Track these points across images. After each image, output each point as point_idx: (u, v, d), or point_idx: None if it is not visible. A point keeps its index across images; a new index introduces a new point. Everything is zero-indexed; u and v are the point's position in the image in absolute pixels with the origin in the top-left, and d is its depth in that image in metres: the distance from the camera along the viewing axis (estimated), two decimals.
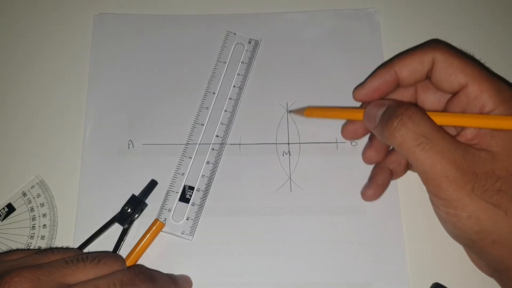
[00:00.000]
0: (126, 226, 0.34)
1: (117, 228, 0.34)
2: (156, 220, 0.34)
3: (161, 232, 0.34)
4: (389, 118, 0.29)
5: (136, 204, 0.34)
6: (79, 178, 0.36)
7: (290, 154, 0.37)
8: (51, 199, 0.35)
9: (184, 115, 0.38)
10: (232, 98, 0.38)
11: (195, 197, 0.35)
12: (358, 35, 0.40)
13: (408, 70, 0.32)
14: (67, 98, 0.38)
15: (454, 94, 0.31)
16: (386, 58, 0.39)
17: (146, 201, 0.35)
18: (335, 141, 0.37)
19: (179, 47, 0.40)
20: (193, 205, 0.35)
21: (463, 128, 0.30)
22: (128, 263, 0.33)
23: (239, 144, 0.37)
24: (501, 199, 0.27)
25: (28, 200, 0.35)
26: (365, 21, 0.40)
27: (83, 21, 0.40)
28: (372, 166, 0.35)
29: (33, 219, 0.35)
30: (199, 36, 0.40)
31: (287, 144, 0.37)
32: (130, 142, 0.37)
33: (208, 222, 0.35)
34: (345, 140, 0.37)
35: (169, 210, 0.35)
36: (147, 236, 0.33)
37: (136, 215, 0.34)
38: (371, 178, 0.34)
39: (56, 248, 0.30)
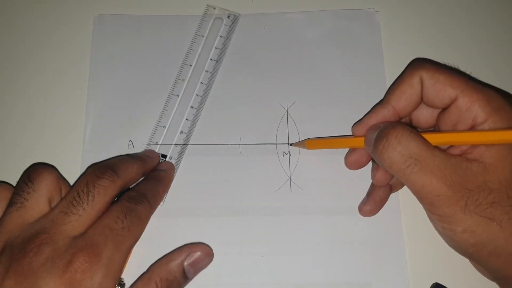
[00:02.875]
0: None
1: None
2: None
3: None
4: (377, 140, 0.29)
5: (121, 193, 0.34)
6: None
7: (290, 154, 0.37)
8: None
9: (184, 115, 0.38)
10: (208, 71, 0.38)
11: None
12: (358, 35, 0.40)
13: (404, 99, 0.31)
14: (67, 98, 0.38)
15: (446, 108, 0.31)
16: (386, 58, 0.39)
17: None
18: None
19: (179, 47, 0.40)
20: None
21: None
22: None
23: (239, 144, 0.37)
24: (495, 211, 0.27)
25: None
26: (365, 21, 0.40)
27: (83, 21, 0.40)
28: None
29: None
30: (199, 36, 0.40)
31: (287, 144, 0.37)
32: (130, 142, 0.37)
33: (208, 222, 0.35)
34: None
35: None
36: None
37: None
38: (369, 194, 0.34)
39: (22, 188, 0.29)
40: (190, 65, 0.38)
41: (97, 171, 0.29)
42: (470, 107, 0.29)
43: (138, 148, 0.37)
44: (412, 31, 0.40)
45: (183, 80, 0.38)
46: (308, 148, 0.36)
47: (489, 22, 0.41)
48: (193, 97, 0.38)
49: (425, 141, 0.28)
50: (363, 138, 0.32)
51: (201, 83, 0.38)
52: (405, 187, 0.35)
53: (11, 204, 0.29)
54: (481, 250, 0.28)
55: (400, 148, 0.28)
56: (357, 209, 0.35)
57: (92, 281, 0.26)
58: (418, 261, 0.34)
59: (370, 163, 0.35)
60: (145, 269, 0.33)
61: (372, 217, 0.35)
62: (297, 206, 0.35)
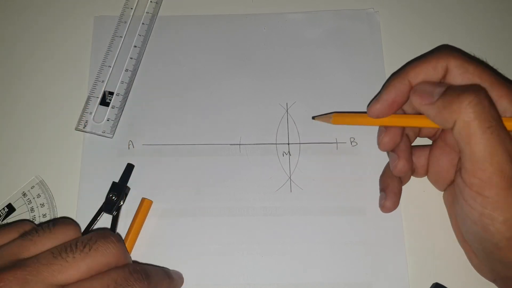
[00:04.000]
0: (114, 213, 0.34)
1: (108, 218, 0.34)
2: (143, 199, 0.34)
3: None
4: (461, 93, 0.27)
5: (118, 190, 0.34)
6: (79, 178, 0.36)
7: (290, 154, 0.37)
8: (51, 200, 0.35)
9: (185, 115, 0.38)
10: (149, 12, 0.40)
11: (115, 100, 0.37)
12: (358, 35, 0.40)
13: (422, 78, 0.30)
14: (68, 98, 0.38)
15: None
16: (386, 58, 0.39)
17: (128, 185, 0.35)
18: (335, 141, 0.37)
19: (179, 47, 0.40)
20: (113, 108, 0.37)
21: None
22: (127, 245, 0.33)
23: (239, 144, 0.37)
24: None
25: (28, 200, 0.35)
26: (365, 21, 0.40)
27: (84, 22, 0.40)
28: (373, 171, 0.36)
29: (33, 219, 0.35)
30: (199, 36, 0.40)
31: (287, 144, 0.37)
32: (130, 142, 0.37)
33: (208, 222, 0.35)
34: (345, 140, 0.37)
35: (91, 113, 0.37)
36: (138, 216, 0.34)
37: (122, 201, 0.35)
38: (386, 188, 0.34)
39: (42, 227, 0.27)
40: (131, 8, 0.41)
41: (135, 274, 0.27)
42: (498, 101, 0.28)
43: (138, 148, 0.37)
44: (412, 31, 0.40)
45: (125, 22, 0.40)
46: (334, 122, 0.35)
47: (489, 21, 0.41)
48: (136, 36, 0.40)
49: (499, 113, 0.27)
50: (393, 117, 0.31)
51: (143, 23, 0.40)
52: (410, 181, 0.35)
53: (22, 235, 0.27)
54: None
55: (488, 108, 0.26)
56: (357, 209, 0.35)
57: None
58: (418, 261, 0.34)
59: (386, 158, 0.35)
60: None
61: (372, 217, 0.35)
62: (297, 206, 0.35)
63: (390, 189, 0.33)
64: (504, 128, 0.27)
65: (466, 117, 0.26)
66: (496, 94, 0.28)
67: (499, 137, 0.26)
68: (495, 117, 0.26)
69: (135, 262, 0.32)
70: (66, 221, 0.28)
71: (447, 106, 0.27)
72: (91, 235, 0.27)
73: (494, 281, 0.31)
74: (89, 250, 0.26)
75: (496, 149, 0.26)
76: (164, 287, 0.30)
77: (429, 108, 0.29)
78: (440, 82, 0.30)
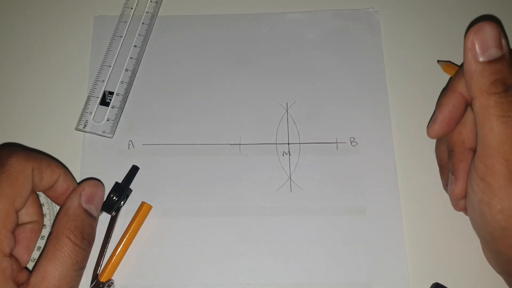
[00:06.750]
0: (113, 213, 0.34)
1: (106, 218, 0.34)
2: (142, 203, 0.34)
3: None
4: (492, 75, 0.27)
5: (120, 191, 0.34)
6: (79, 178, 0.36)
7: (290, 154, 0.37)
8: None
9: (185, 115, 0.38)
10: (149, 12, 0.40)
11: (115, 100, 0.37)
12: (358, 35, 0.40)
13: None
14: (68, 98, 0.38)
15: None
16: (386, 58, 0.39)
17: (130, 187, 0.35)
18: (335, 141, 0.37)
19: (179, 47, 0.40)
20: (113, 107, 0.37)
21: None
22: (120, 249, 0.33)
23: (239, 144, 0.37)
24: None
25: None
26: (365, 21, 0.40)
27: (84, 22, 0.40)
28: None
29: None
30: (199, 36, 0.40)
31: (287, 144, 0.37)
32: (130, 142, 0.37)
33: (208, 222, 0.35)
34: (345, 140, 0.37)
35: (91, 113, 0.37)
36: (136, 219, 0.34)
37: (122, 202, 0.35)
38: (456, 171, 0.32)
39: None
40: (131, 8, 0.41)
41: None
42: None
43: (138, 148, 0.37)
44: (412, 31, 0.40)
45: (125, 22, 0.40)
46: (445, 71, 0.35)
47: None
48: (136, 36, 0.40)
49: None
50: None
51: (143, 23, 0.40)
52: (405, 176, 0.35)
53: None
54: (507, 237, 0.27)
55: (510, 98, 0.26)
56: (357, 209, 0.35)
57: None
58: (418, 261, 0.34)
59: None
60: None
61: (372, 217, 0.35)
62: (297, 206, 0.35)
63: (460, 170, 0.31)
64: None
65: (485, 102, 0.27)
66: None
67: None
68: None
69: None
70: (15, 154, 0.29)
71: (477, 77, 0.27)
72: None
73: (500, 273, 0.31)
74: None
75: (506, 138, 0.26)
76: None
77: (471, 68, 0.28)
78: (501, 44, 0.28)
